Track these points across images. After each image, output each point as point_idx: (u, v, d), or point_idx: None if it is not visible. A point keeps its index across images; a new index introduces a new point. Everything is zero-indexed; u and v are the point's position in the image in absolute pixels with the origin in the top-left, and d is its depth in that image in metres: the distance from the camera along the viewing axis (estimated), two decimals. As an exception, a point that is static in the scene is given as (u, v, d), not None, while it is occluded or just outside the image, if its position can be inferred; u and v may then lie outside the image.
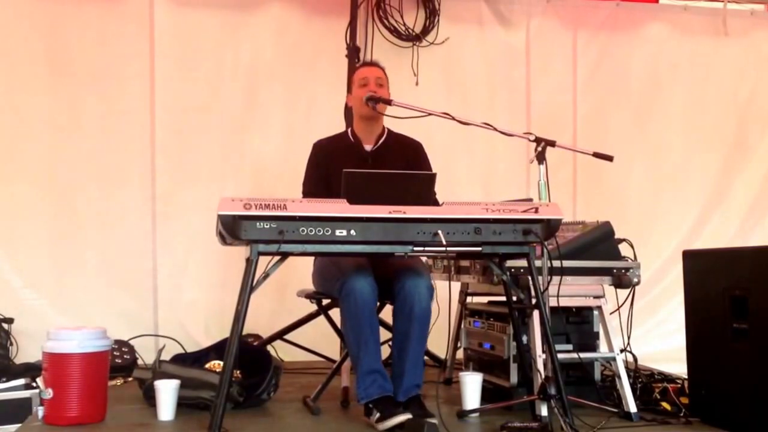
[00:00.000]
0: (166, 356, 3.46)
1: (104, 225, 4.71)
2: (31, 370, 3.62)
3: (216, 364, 3.31)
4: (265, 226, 2.62)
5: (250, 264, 2.68)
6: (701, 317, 3.08)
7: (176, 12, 4.84)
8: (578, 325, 3.36)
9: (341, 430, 2.99)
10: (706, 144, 5.47)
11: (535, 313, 2.99)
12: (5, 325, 4.31)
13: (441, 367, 4.03)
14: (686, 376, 3.22)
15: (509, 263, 3.06)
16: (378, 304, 3.31)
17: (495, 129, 3.14)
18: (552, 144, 3.08)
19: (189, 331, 4.69)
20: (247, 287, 2.69)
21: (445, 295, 2.93)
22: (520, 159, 4.82)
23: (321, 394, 3.28)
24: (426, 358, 3.19)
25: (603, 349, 3.33)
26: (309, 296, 3.36)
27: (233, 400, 3.13)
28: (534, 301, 2.96)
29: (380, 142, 3.43)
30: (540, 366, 3.00)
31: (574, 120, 5.32)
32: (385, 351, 3.19)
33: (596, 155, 3.13)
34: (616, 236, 3.35)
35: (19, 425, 2.97)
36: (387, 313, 3.26)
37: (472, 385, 3.12)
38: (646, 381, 3.43)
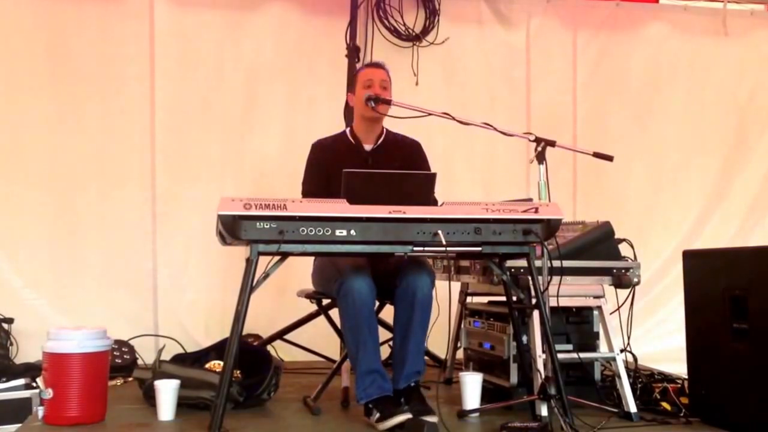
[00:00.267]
0: (166, 356, 3.46)
1: (104, 225, 4.71)
2: (31, 370, 3.62)
3: (216, 364, 3.31)
4: (265, 226, 2.62)
5: (250, 264, 2.68)
6: (701, 317, 3.08)
7: (176, 12, 4.84)
8: (578, 325, 3.36)
9: (341, 430, 2.99)
10: (706, 144, 5.46)
11: (535, 313, 2.99)
12: (5, 325, 4.31)
13: (441, 367, 4.03)
14: (686, 376, 3.22)
15: (509, 263, 3.07)
16: (378, 304, 3.32)
17: (495, 129, 3.14)
18: (552, 144, 3.08)
19: (189, 331, 4.69)
20: (247, 287, 2.69)
21: (445, 295, 2.93)
22: (520, 159, 4.82)
23: (321, 394, 3.28)
24: (426, 357, 3.19)
25: (603, 349, 3.33)
26: (309, 296, 3.37)
27: (233, 400, 3.13)
28: (534, 301, 2.96)
29: (379, 142, 3.43)
30: (540, 366, 3.00)
31: (574, 120, 5.32)
32: (385, 351, 3.20)
33: (596, 155, 3.14)
34: (616, 236, 3.35)
35: (19, 425, 2.97)
36: (387, 314, 3.26)
37: (472, 385, 3.12)
38: (646, 381, 3.43)
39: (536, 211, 2.82)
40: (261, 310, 4.02)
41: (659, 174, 5.42)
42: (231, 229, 2.62)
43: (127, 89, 4.77)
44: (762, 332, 2.74)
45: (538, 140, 3.06)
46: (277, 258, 2.73)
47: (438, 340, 3.69)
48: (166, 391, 3.01)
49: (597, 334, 3.37)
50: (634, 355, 3.43)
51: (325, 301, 3.36)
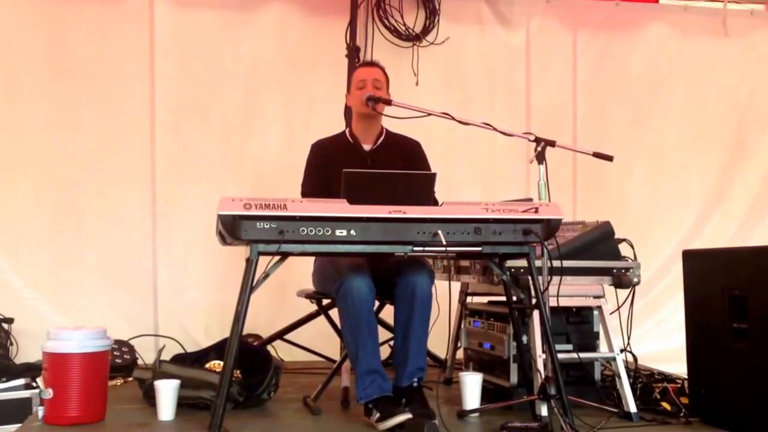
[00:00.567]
0: (166, 356, 3.46)
1: (104, 225, 4.71)
2: (31, 370, 3.61)
3: (216, 364, 3.31)
4: (265, 226, 2.62)
5: (250, 264, 2.68)
6: (701, 317, 3.08)
7: (176, 12, 4.84)
8: (578, 325, 3.36)
9: (341, 430, 2.99)
10: (706, 144, 5.47)
11: (535, 313, 2.99)
12: (5, 325, 4.31)
13: (441, 367, 4.03)
14: (686, 376, 3.22)
15: (509, 263, 3.06)
16: (378, 304, 3.32)
17: (495, 129, 3.14)
18: (552, 144, 3.08)
19: (189, 331, 4.69)
20: (247, 287, 2.69)
21: (445, 295, 2.93)
22: (520, 159, 4.82)
23: (321, 394, 3.28)
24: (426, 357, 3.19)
25: (603, 349, 3.33)
26: (309, 296, 3.37)
27: (233, 400, 3.13)
28: (534, 301, 2.96)
29: (379, 142, 3.43)
30: (540, 366, 3.00)
31: (574, 120, 5.32)
32: (385, 351, 3.20)
33: (596, 155, 3.14)
34: (616, 236, 3.35)
35: (19, 425, 2.97)
36: (387, 314, 3.26)
37: (472, 385, 3.12)
38: (646, 381, 3.43)
39: (536, 211, 2.82)
40: (261, 310, 4.03)
41: (659, 174, 5.42)
42: (231, 229, 2.62)
43: (127, 89, 4.77)
44: (762, 332, 2.74)
45: (538, 140, 3.06)
46: (277, 258, 2.73)
47: (438, 340, 3.68)
48: (166, 391, 3.01)
49: (597, 334, 3.37)
50: (634, 355, 3.43)
51: (325, 301, 3.36)
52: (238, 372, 3.23)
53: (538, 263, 2.90)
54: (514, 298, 3.14)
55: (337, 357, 3.93)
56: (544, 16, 5.32)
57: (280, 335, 4.40)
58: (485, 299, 3.65)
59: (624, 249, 3.34)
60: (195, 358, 3.50)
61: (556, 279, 2.91)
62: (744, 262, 2.89)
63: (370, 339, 2.96)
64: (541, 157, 3.01)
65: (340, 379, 3.39)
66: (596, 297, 3.29)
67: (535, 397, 2.96)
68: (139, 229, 4.76)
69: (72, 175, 4.68)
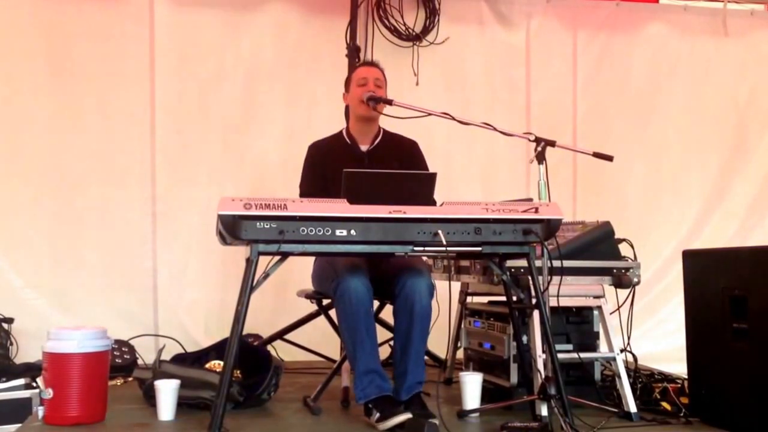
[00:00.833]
0: (166, 356, 3.46)
1: (104, 225, 4.71)
2: (31, 370, 3.61)
3: (216, 364, 3.31)
4: (266, 226, 2.62)
5: (250, 264, 2.68)
6: (701, 317, 3.08)
7: (176, 12, 4.84)
8: (578, 325, 3.36)
9: (341, 430, 2.99)
10: (706, 144, 5.47)
11: (535, 313, 2.99)
12: (5, 325, 4.31)
13: (441, 367, 4.03)
14: (686, 376, 3.22)
15: (509, 263, 3.06)
16: (378, 303, 3.32)
17: (495, 129, 3.14)
18: (552, 144, 3.08)
19: (189, 331, 4.69)
20: (247, 287, 2.69)
21: (445, 295, 2.93)
22: (520, 159, 4.83)
23: (321, 394, 3.28)
24: (426, 357, 3.19)
25: (603, 349, 3.33)
26: (309, 296, 3.37)
27: (233, 400, 3.13)
28: (534, 301, 2.95)
29: (376, 142, 3.43)
30: (540, 366, 3.00)
31: (574, 120, 5.32)
32: (385, 351, 3.20)
33: (596, 155, 3.14)
34: (616, 236, 3.35)
35: (19, 425, 2.97)
36: (387, 313, 3.26)
37: (472, 385, 3.12)
38: (646, 381, 3.43)
39: (536, 211, 2.82)
40: (261, 310, 4.03)
41: (659, 174, 5.42)
42: (231, 229, 2.62)
43: (127, 89, 4.77)
44: (762, 332, 2.74)
45: (538, 140, 3.06)
46: (277, 258, 2.73)
47: (438, 340, 3.68)
48: (166, 391, 3.01)
49: (597, 334, 3.37)
50: (634, 355, 3.43)
51: (325, 301, 3.35)
52: (238, 372, 3.23)
53: (538, 263, 2.90)
54: (514, 298, 3.14)
55: (337, 357, 3.93)
56: (544, 15, 5.32)
57: (280, 335, 4.40)
58: (485, 299, 3.65)
59: (624, 249, 3.34)
60: (195, 358, 3.50)
61: (556, 279, 2.91)
62: (744, 262, 2.89)
63: (368, 339, 2.96)
64: (541, 157, 3.01)
65: (340, 379, 3.39)
66: (596, 297, 3.29)
67: (535, 397, 2.96)
68: (139, 229, 4.76)
69: (72, 175, 4.69)
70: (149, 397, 3.19)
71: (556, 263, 2.89)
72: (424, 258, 3.35)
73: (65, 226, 4.67)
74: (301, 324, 4.34)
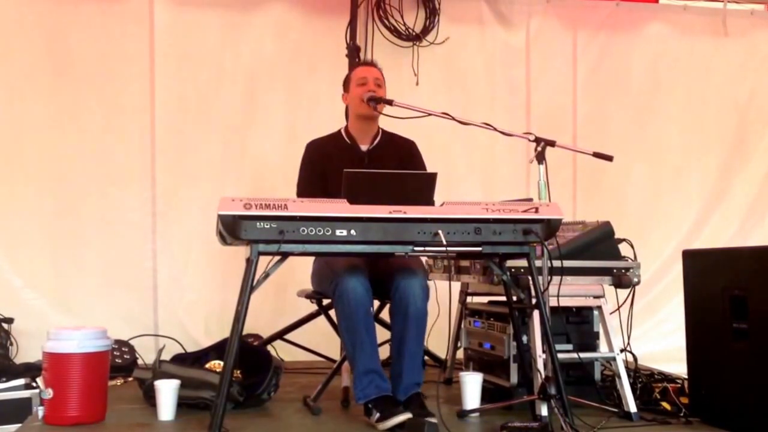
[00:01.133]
0: (166, 356, 3.46)
1: (104, 225, 4.71)
2: (31, 370, 3.61)
3: (216, 364, 3.31)
4: (266, 226, 2.62)
5: (250, 264, 2.68)
6: (701, 317, 3.08)
7: (176, 12, 4.84)
8: (578, 325, 3.36)
9: (341, 430, 2.99)
10: (706, 144, 5.47)
11: (535, 313, 2.99)
12: (5, 325, 4.31)
13: (441, 367, 4.03)
14: (686, 376, 3.22)
15: (509, 263, 3.07)
16: (379, 303, 3.32)
17: (495, 129, 3.14)
18: (552, 144, 3.08)
19: (189, 331, 4.69)
20: (247, 287, 2.69)
21: (445, 295, 2.93)
22: (520, 159, 4.83)
23: (321, 394, 3.28)
24: (426, 357, 3.20)
25: (603, 349, 3.33)
26: (309, 296, 3.37)
27: (233, 400, 3.13)
28: (534, 301, 2.95)
29: (376, 141, 3.43)
30: (540, 366, 3.00)
31: (574, 120, 5.32)
32: (385, 351, 3.19)
33: (596, 155, 3.13)
34: (616, 236, 3.35)
35: (19, 425, 2.97)
36: (388, 313, 3.26)
37: (472, 385, 3.12)
38: (646, 381, 3.43)
39: (536, 211, 2.82)
40: (261, 310, 4.04)
41: (659, 174, 5.42)
42: (231, 229, 2.62)
43: (127, 89, 4.77)
44: (762, 332, 2.74)
45: (537, 140, 3.05)
46: (277, 258, 2.73)
47: (438, 340, 3.69)
48: (166, 391, 3.01)
49: (597, 334, 3.37)
50: (634, 355, 3.43)
51: (325, 301, 3.35)
52: (238, 372, 3.23)
53: (538, 263, 2.90)
54: (514, 298, 3.14)
55: (337, 357, 3.92)
56: (544, 16, 5.32)
57: (280, 335, 4.40)
58: (485, 299, 3.65)
59: (624, 249, 3.34)
60: (195, 358, 3.50)
61: (556, 279, 2.91)
62: (744, 262, 2.89)
63: (368, 339, 2.96)
64: (541, 157, 3.01)
65: (340, 379, 3.39)
66: (596, 297, 3.29)
67: (535, 397, 2.96)
68: (139, 229, 4.76)
69: (72, 175, 4.69)
70: (149, 397, 3.19)
71: (556, 263, 2.89)
72: (424, 258, 3.35)
73: (65, 226, 4.67)
74: (301, 324, 4.34)
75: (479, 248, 2.83)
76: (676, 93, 5.45)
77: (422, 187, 2.89)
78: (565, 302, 3.10)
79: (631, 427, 2.98)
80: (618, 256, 3.30)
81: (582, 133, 5.27)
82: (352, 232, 2.68)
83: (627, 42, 5.41)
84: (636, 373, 3.43)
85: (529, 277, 2.92)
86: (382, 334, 3.26)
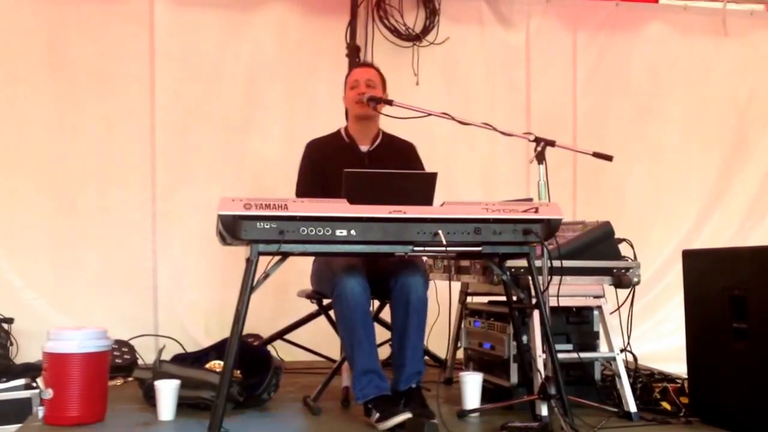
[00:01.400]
0: (166, 356, 3.46)
1: (104, 225, 4.71)
2: (31, 370, 3.61)
3: (216, 364, 3.31)
4: (266, 226, 2.62)
5: (250, 264, 2.68)
6: (701, 317, 3.08)
7: (176, 12, 4.84)
8: (578, 325, 3.36)
9: (341, 430, 2.99)
10: (706, 144, 5.46)
11: (535, 313, 2.99)
12: (5, 325, 4.31)
13: (441, 366, 4.03)
14: (686, 376, 3.22)
15: (509, 263, 3.07)
16: (378, 304, 3.32)
17: (495, 129, 3.14)
18: (552, 144, 3.08)
19: (189, 331, 4.69)
20: (247, 287, 2.69)
21: (445, 295, 2.93)
22: (520, 159, 4.82)
23: (321, 394, 3.28)
24: (426, 357, 3.20)
25: (603, 348, 3.33)
26: (309, 296, 3.37)
27: (233, 400, 3.13)
28: (534, 301, 2.96)
29: (377, 142, 3.44)
30: (540, 366, 3.00)
31: (574, 120, 5.32)
32: (385, 351, 3.19)
33: (596, 155, 3.14)
34: (616, 236, 3.35)
35: (19, 425, 2.97)
36: (387, 313, 3.26)
37: (472, 385, 3.12)
38: (646, 381, 3.43)
39: (536, 211, 2.82)
40: (261, 310, 4.03)
41: (659, 174, 5.42)
42: (231, 229, 2.62)
43: (127, 89, 4.77)
44: (762, 332, 2.74)
45: (537, 140, 3.06)
46: (277, 258, 2.73)
47: (438, 340, 3.69)
48: (166, 391, 3.01)
49: (597, 334, 3.37)
50: (634, 355, 3.43)
51: (326, 301, 3.35)
52: (238, 372, 3.23)
53: (538, 263, 2.90)
54: (514, 298, 3.14)
55: (337, 357, 3.92)
56: (544, 16, 5.32)
57: (280, 335, 4.40)
58: (485, 299, 3.65)
59: (624, 249, 3.34)
60: (195, 358, 3.50)
61: (556, 279, 2.92)
62: (744, 262, 2.89)
63: (366, 339, 2.96)
64: (541, 157, 3.02)
65: (340, 379, 3.39)
66: (596, 297, 3.30)
67: (535, 397, 2.96)
68: (139, 229, 4.76)
69: (72, 175, 4.68)
70: (149, 397, 3.19)
71: (556, 263, 2.89)
72: (424, 258, 3.35)
73: (65, 226, 4.67)
74: (301, 324, 4.35)
75: (479, 248, 2.83)
76: (676, 93, 5.45)
77: (422, 187, 2.89)
78: (565, 302, 3.10)
79: (631, 427, 2.98)
80: (618, 256, 3.30)
81: (582, 133, 5.27)
82: (352, 232, 2.69)
83: (627, 42, 5.41)
84: (636, 373, 3.43)
85: (529, 277, 2.93)
86: (382, 334, 3.27)
